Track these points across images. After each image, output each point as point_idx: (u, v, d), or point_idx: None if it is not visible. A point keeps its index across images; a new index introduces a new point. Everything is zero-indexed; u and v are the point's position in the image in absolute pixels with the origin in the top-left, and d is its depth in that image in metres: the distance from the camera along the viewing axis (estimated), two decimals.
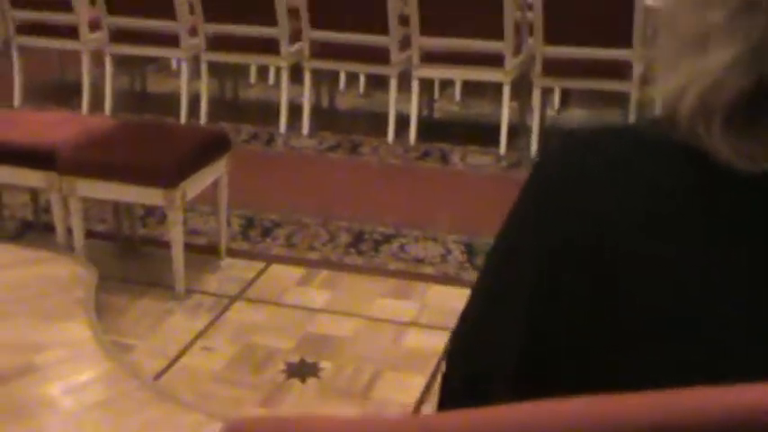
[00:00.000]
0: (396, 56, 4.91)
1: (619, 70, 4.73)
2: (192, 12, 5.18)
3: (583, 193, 0.67)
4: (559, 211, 0.67)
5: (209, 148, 3.51)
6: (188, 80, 5.27)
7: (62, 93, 5.85)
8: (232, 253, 3.78)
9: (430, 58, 4.92)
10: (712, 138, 0.64)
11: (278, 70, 5.36)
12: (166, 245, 3.51)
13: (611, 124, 0.76)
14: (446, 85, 5.84)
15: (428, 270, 3.70)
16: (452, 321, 0.76)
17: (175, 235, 3.40)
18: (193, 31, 5.20)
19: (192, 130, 4.13)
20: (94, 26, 5.36)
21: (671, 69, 0.67)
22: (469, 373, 0.73)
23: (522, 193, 0.71)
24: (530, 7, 4.91)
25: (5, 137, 3.54)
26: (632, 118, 4.79)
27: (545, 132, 4.91)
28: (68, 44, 5.45)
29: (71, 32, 5.37)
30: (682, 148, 0.65)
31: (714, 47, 0.64)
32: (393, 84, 4.97)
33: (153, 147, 3.44)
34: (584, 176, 0.68)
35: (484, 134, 5.09)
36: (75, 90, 5.57)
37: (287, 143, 5.05)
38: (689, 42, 0.65)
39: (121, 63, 5.65)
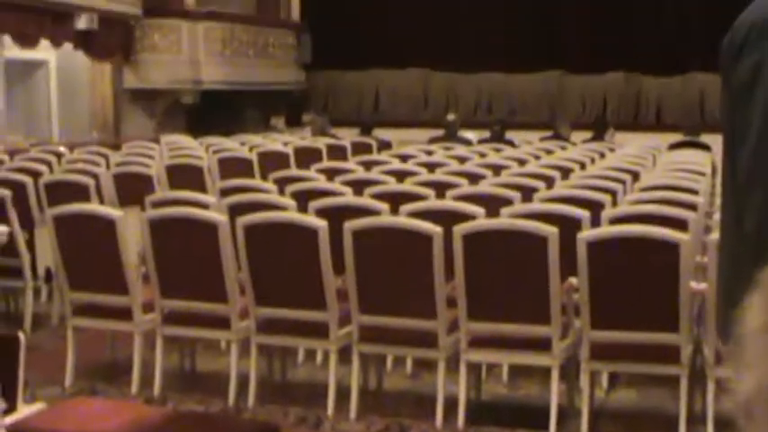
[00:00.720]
0: (443, 340, 4.95)
1: (667, 353, 4.73)
2: (242, 293, 5.30)
3: None
4: None
5: None
6: (237, 359, 5.32)
7: (112, 371, 5.92)
8: None
9: (478, 342, 4.95)
10: None
11: (326, 351, 5.41)
12: None
13: None
14: (493, 363, 5.84)
15: None
16: None
17: None
18: (244, 312, 5.30)
19: (241, 424, 4.13)
20: (148, 308, 5.49)
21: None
22: None
23: None
24: (576, 290, 4.97)
25: (54, 429, 3.56)
26: (683, 400, 4.74)
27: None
28: (121, 325, 5.58)
29: (125, 314, 5.49)
30: None
31: None
32: (441, 367, 4.99)
33: None
34: None
35: (532, 416, 5.04)
36: (126, 369, 5.63)
37: (335, 427, 5.02)
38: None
39: (172, 341, 5.75)
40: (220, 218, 5.29)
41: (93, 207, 5.98)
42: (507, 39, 17.61)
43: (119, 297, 5.47)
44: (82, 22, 13.03)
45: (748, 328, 0.73)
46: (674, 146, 11.96)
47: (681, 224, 5.20)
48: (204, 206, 5.91)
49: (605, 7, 17.31)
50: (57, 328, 6.64)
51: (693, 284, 4.83)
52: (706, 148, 11.59)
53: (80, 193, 7.30)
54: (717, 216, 5.74)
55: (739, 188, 1.59)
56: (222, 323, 5.30)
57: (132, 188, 8.05)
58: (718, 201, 6.65)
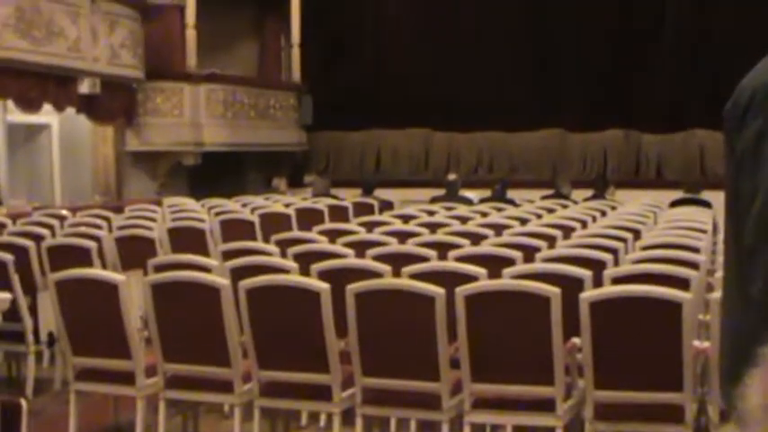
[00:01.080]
0: (447, 401, 4.93)
1: (671, 413, 4.70)
2: (245, 356, 5.29)
3: None
4: None
5: None
6: (240, 423, 5.29)
7: None
8: None
9: (481, 403, 4.93)
10: None
11: (330, 414, 5.39)
12: None
13: None
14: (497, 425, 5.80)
15: None
16: None
17: None
18: (247, 376, 5.28)
19: None
20: (150, 372, 5.47)
21: None
22: None
23: None
24: (579, 350, 4.96)
25: None
26: None
27: None
28: (124, 390, 5.55)
29: (127, 378, 5.47)
30: None
31: None
32: (445, 429, 4.96)
33: None
34: None
35: None
36: None
37: None
38: None
39: (175, 405, 5.72)
40: (222, 281, 5.30)
41: (95, 272, 5.98)
42: (507, 97, 17.74)
43: (121, 361, 5.46)
44: (85, 87, 13.14)
45: (750, 406, 0.73)
46: (675, 203, 12.00)
47: (683, 283, 5.20)
48: (206, 269, 5.91)
49: (604, 65, 17.45)
50: (59, 393, 6.62)
51: (696, 343, 4.83)
52: (707, 204, 11.62)
53: (82, 256, 7.31)
54: (718, 274, 5.75)
55: (744, 252, 1.58)
56: (225, 387, 5.29)
57: (135, 251, 8.06)
58: (719, 258, 6.67)
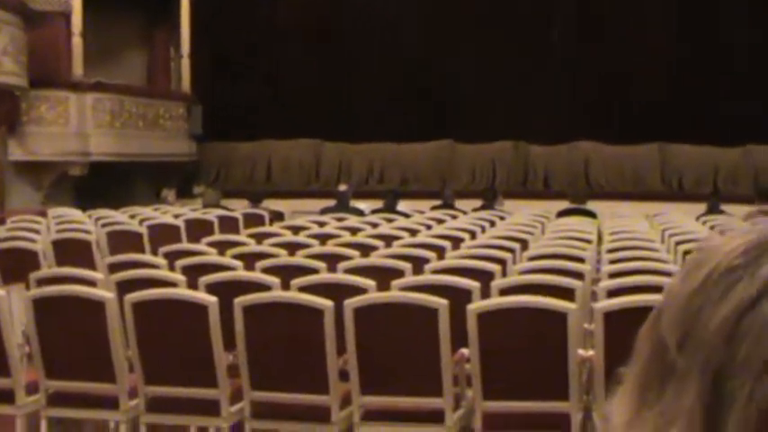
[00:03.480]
0: (336, 414, 4.92)
1: (558, 421, 4.78)
2: (131, 371, 5.19)
3: None
4: None
5: None
6: None
7: None
8: None
9: (371, 415, 4.94)
10: None
11: (218, 428, 5.32)
12: None
13: None
14: None
15: None
16: None
17: None
18: (133, 391, 5.19)
19: None
20: (32, 390, 5.32)
21: None
22: None
23: None
24: (467, 360, 5.00)
25: None
26: None
27: None
28: (3, 409, 5.37)
29: (7, 397, 5.30)
30: None
31: None
32: None
33: None
34: None
35: None
36: None
37: None
38: None
39: (58, 422, 5.58)
40: (108, 295, 5.19)
41: None
42: (398, 108, 17.85)
43: (0, 379, 5.29)
44: None
45: (613, 424, 0.73)
46: (562, 213, 12.22)
47: (568, 293, 5.29)
48: (91, 283, 5.79)
49: (492, 78, 17.70)
50: None
51: (581, 352, 4.91)
52: (592, 215, 11.87)
53: None
54: (603, 283, 5.86)
55: None
56: (110, 403, 5.17)
57: (17, 264, 7.84)
58: (604, 268, 6.81)
